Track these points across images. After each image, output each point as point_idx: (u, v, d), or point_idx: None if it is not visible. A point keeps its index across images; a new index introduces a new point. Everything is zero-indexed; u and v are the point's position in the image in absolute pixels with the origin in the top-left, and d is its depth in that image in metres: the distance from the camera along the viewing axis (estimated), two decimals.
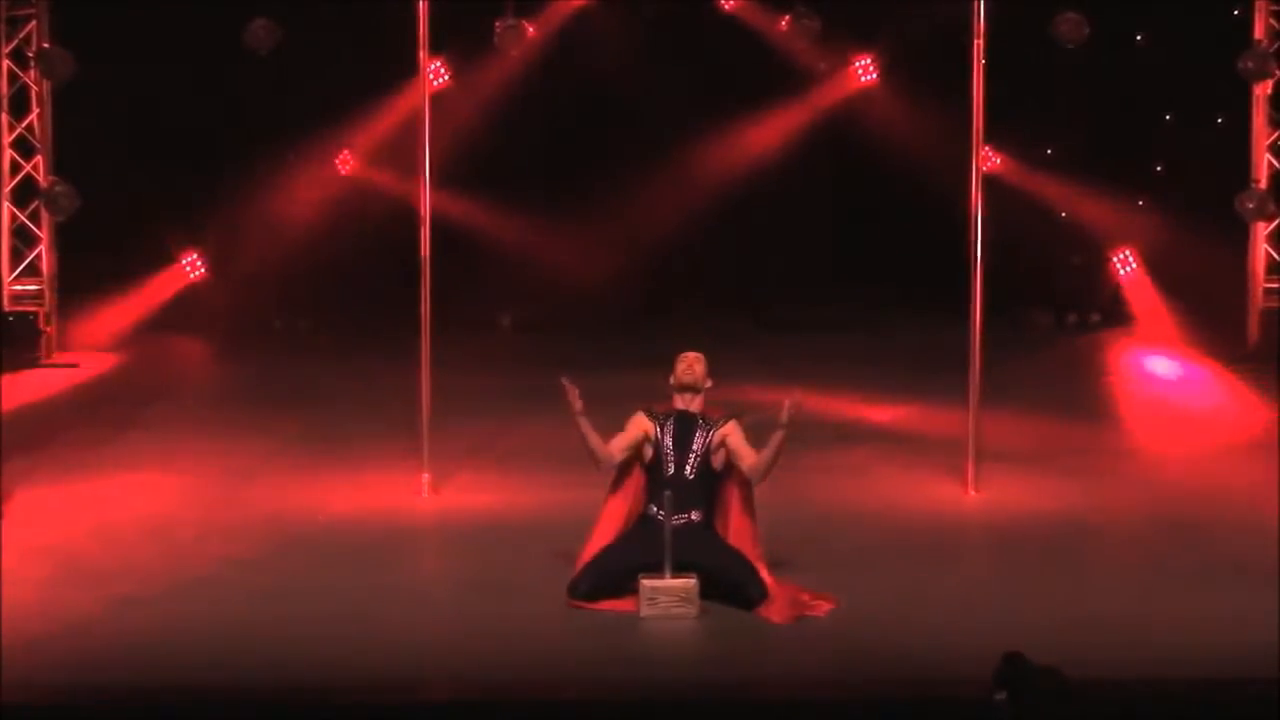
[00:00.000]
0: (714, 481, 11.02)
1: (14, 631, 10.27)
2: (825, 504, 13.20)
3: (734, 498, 11.09)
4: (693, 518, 10.94)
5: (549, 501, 13.15)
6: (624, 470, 11.13)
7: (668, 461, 10.98)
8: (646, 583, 10.80)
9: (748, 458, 10.93)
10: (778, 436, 10.81)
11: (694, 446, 10.98)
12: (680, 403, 11.07)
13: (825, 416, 15.42)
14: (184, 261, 18.67)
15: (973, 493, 13.30)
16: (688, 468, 10.96)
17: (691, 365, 11.03)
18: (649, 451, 11.05)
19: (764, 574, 10.90)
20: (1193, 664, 10.09)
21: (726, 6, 18.57)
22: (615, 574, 10.87)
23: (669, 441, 10.99)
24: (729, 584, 10.83)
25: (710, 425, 11.01)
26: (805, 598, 10.95)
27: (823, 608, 10.88)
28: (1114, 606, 11.02)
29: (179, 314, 18.58)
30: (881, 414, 15.68)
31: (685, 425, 11.00)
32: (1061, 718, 7.65)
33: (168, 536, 12.40)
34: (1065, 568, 11.77)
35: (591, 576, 10.91)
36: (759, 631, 10.68)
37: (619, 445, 11.02)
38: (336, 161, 18.85)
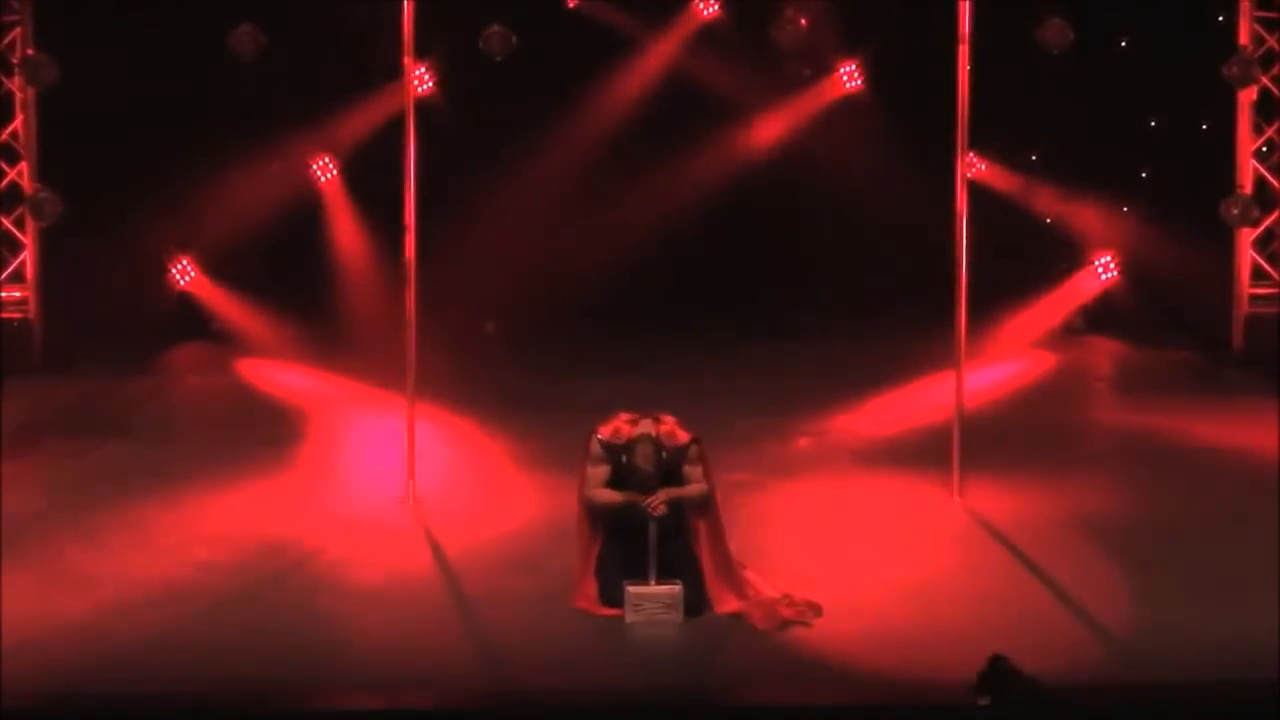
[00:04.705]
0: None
1: (7, 636, 10.30)
2: (810, 510, 13.20)
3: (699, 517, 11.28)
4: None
5: (534, 507, 13.14)
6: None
7: (633, 484, 11.11)
8: (632, 589, 10.87)
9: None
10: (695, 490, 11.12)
11: (657, 483, 11.09)
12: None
13: (807, 423, 15.43)
14: (174, 268, 18.60)
15: (957, 498, 13.30)
16: (651, 497, 11.08)
17: (646, 454, 11.05)
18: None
19: (735, 580, 11.08)
20: (1180, 669, 10.12)
21: (706, 14, 18.55)
22: (618, 571, 11.03)
23: (634, 476, 11.10)
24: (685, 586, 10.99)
25: (671, 459, 11.12)
26: (788, 603, 10.98)
27: (807, 615, 10.90)
28: (1101, 611, 11.03)
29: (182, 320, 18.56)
30: (864, 420, 15.67)
31: (649, 459, 11.11)
32: None
33: (154, 543, 12.39)
34: (1051, 572, 11.77)
35: (609, 583, 11.04)
36: (744, 638, 10.69)
37: (607, 493, 11.17)
38: (315, 168, 18.71)
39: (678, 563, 11.02)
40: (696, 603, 10.99)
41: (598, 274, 18.04)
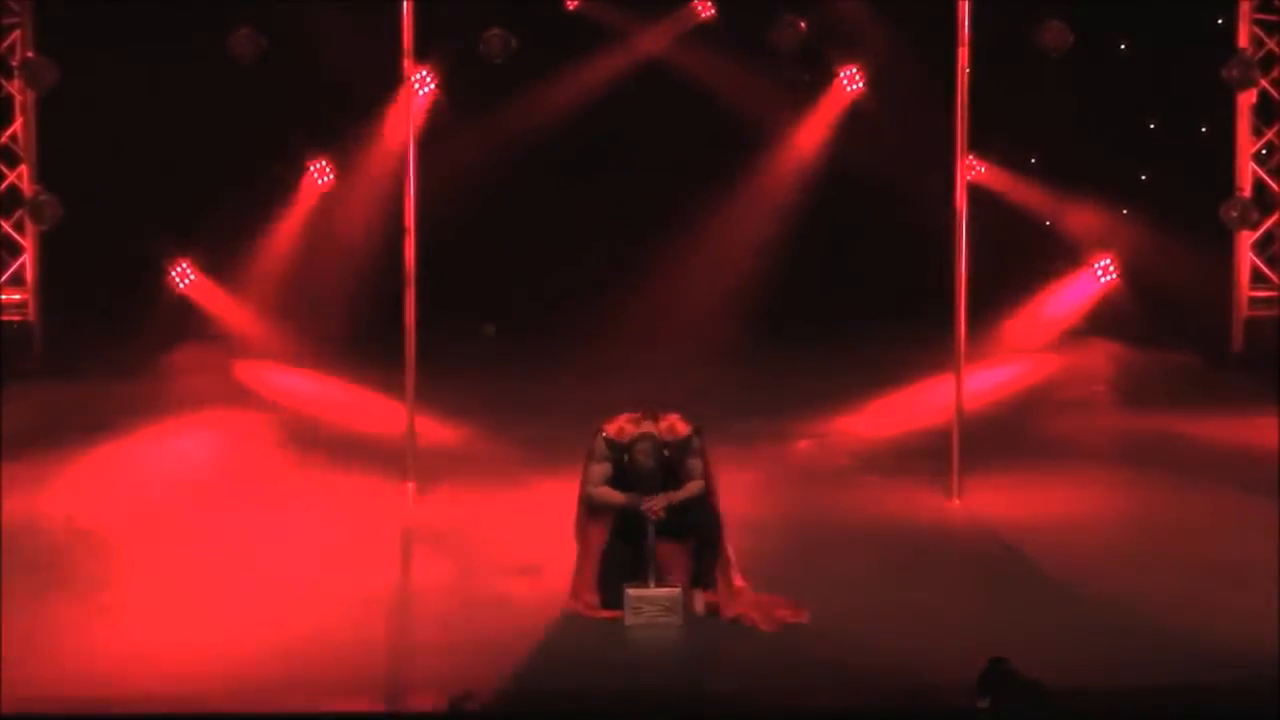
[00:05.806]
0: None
1: (8, 640, 10.30)
2: (811, 512, 13.21)
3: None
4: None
5: (534, 508, 13.14)
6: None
7: (635, 481, 11.13)
8: (632, 592, 10.87)
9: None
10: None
11: (659, 480, 11.13)
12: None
13: (807, 425, 15.44)
14: (173, 271, 18.57)
15: (956, 500, 13.31)
16: (657, 495, 11.11)
17: (645, 450, 11.11)
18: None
19: (733, 576, 11.10)
20: (1179, 671, 10.11)
21: (704, 15, 18.53)
22: (621, 574, 11.03)
23: (636, 474, 11.13)
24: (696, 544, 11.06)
25: (674, 456, 11.16)
26: (779, 605, 10.99)
27: (802, 615, 10.90)
28: (1101, 612, 11.03)
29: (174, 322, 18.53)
30: (864, 422, 15.68)
31: (649, 455, 11.14)
32: None
33: (154, 546, 12.40)
34: (1050, 574, 11.77)
35: (614, 585, 11.02)
36: (744, 639, 10.70)
37: (608, 491, 11.21)
38: (313, 171, 18.65)
39: (706, 547, 11.11)
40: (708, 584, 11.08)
41: (597, 275, 18.05)
